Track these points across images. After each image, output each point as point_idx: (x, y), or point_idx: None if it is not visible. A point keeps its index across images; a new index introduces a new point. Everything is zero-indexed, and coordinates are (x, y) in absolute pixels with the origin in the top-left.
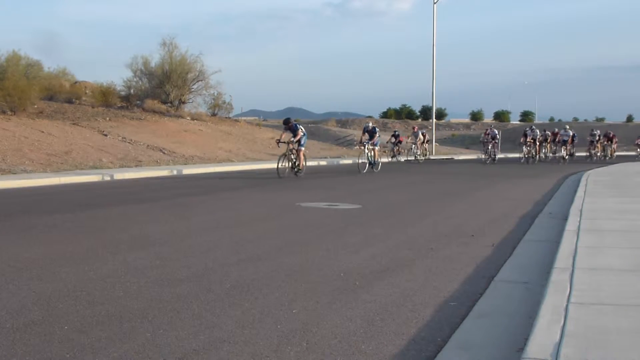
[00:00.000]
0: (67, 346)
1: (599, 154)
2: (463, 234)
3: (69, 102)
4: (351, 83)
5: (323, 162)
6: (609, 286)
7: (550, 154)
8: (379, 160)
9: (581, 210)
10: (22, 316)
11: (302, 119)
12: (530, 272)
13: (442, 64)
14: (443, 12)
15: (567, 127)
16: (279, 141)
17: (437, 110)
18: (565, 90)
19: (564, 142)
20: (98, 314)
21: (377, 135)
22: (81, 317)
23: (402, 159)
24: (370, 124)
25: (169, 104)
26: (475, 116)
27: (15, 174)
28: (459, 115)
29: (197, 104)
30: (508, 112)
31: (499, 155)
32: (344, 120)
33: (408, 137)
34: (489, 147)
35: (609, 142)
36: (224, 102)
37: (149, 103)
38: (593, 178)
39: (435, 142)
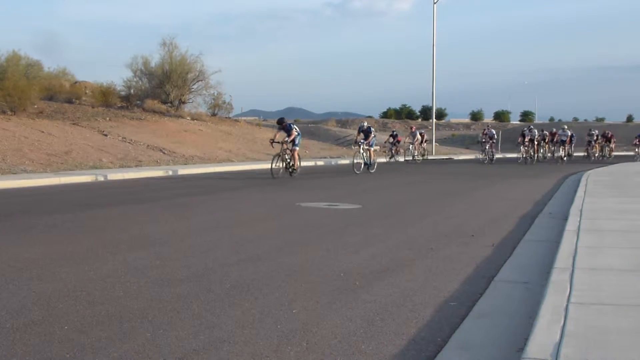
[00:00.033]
0: (67, 346)
1: (596, 154)
2: (463, 234)
3: (69, 102)
4: (351, 83)
5: (320, 162)
6: (609, 286)
7: (549, 154)
8: (375, 160)
9: (581, 210)
10: (22, 316)
11: (302, 119)
12: (530, 272)
13: (442, 64)
14: (443, 12)
15: (565, 127)
16: (272, 141)
17: (437, 110)
18: (565, 90)
19: (562, 142)
20: (98, 314)
21: (373, 135)
22: (81, 317)
23: (401, 159)
24: (366, 124)
25: (169, 104)
26: (475, 116)
27: (15, 174)
28: (459, 115)
29: (197, 104)
30: (508, 112)
31: (498, 155)
32: (344, 120)
33: (406, 137)
34: (487, 147)
35: (607, 142)
36: (224, 102)
37: (149, 103)
38: (593, 178)
39: (435, 142)
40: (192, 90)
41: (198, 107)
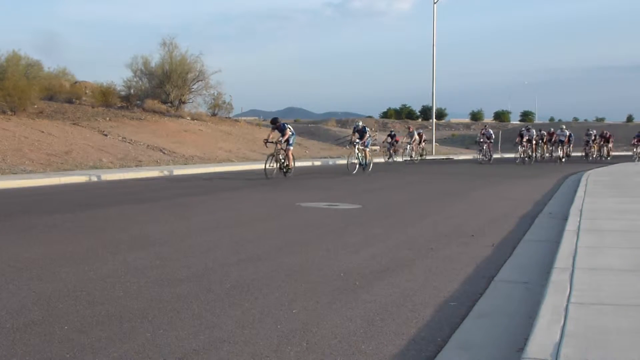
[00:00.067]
0: (67, 346)
1: (594, 154)
2: (463, 234)
3: (69, 102)
4: (351, 83)
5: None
6: (609, 286)
7: (547, 154)
8: (371, 160)
9: (581, 210)
10: (22, 316)
11: (302, 119)
12: (530, 272)
13: (442, 64)
14: (443, 12)
15: (564, 127)
16: (266, 141)
17: (437, 110)
18: (565, 90)
19: (561, 142)
20: (98, 314)
21: (368, 135)
22: (81, 317)
23: (399, 159)
24: (360, 124)
25: (169, 104)
26: (475, 116)
27: (15, 174)
28: (459, 115)
29: (197, 104)
30: (508, 112)
31: (496, 155)
32: (344, 120)
33: (404, 137)
34: (484, 147)
35: (606, 142)
36: (224, 102)
37: (149, 103)
38: (593, 178)
39: (435, 142)
40: (192, 90)
41: (198, 107)
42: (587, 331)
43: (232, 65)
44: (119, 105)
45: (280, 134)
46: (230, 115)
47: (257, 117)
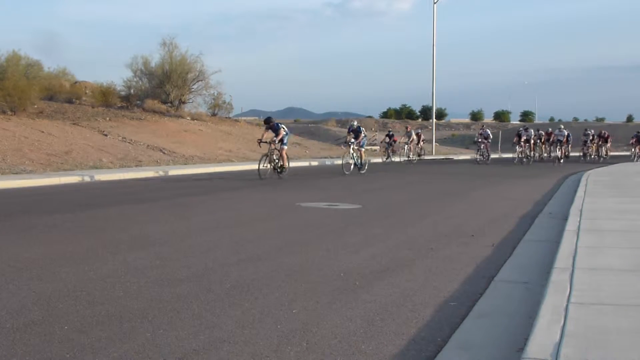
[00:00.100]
0: (67, 346)
1: (592, 154)
2: (463, 234)
3: (69, 102)
4: (351, 83)
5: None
6: (609, 286)
7: (545, 154)
8: (366, 161)
9: (581, 210)
10: (22, 316)
11: (302, 119)
12: (530, 272)
13: (442, 64)
14: (443, 12)
15: (562, 126)
16: (260, 141)
17: (437, 110)
18: (565, 90)
19: (559, 142)
20: (98, 314)
21: (363, 134)
22: (81, 317)
23: (397, 159)
24: (355, 123)
25: (169, 104)
26: (475, 116)
27: (15, 174)
28: (459, 115)
29: (197, 104)
30: (508, 112)
31: (494, 156)
32: (344, 120)
33: (402, 137)
34: (482, 147)
35: (605, 142)
36: (224, 102)
37: (149, 103)
38: (593, 178)
39: (435, 142)
40: (192, 90)
41: (198, 107)
42: (587, 331)
43: (232, 65)
44: (119, 105)
45: (274, 134)
46: (230, 115)
47: (257, 117)
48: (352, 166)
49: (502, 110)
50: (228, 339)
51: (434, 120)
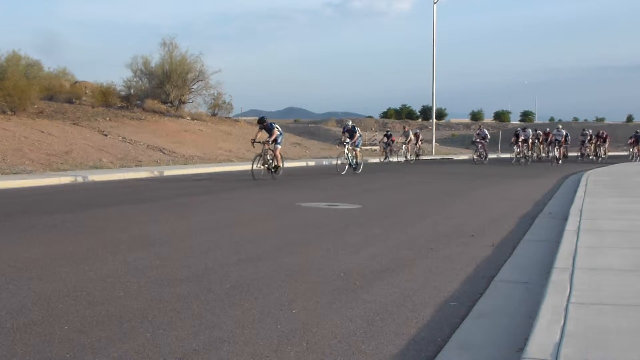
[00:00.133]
0: (67, 346)
1: (591, 155)
2: (463, 234)
3: (69, 102)
4: (351, 83)
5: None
6: (609, 286)
7: (543, 155)
8: (361, 161)
9: (581, 210)
10: (22, 316)
11: (302, 119)
12: (530, 272)
13: (442, 64)
14: (443, 12)
15: (560, 126)
16: (254, 141)
17: (437, 110)
18: (565, 90)
19: (558, 142)
20: (98, 314)
21: (358, 134)
22: (81, 317)
23: (395, 159)
24: (350, 123)
25: (169, 104)
26: (475, 116)
27: (15, 174)
28: (459, 115)
29: (197, 104)
30: (508, 112)
31: (492, 156)
32: (344, 120)
33: (399, 137)
34: (479, 147)
35: (603, 142)
36: (224, 102)
37: (149, 103)
38: (593, 178)
39: (435, 142)
40: (192, 90)
41: (198, 107)
42: (587, 331)
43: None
44: (119, 105)
45: (267, 134)
46: (230, 115)
47: (257, 117)
48: (347, 166)
49: (502, 110)
50: (228, 339)
51: (434, 120)
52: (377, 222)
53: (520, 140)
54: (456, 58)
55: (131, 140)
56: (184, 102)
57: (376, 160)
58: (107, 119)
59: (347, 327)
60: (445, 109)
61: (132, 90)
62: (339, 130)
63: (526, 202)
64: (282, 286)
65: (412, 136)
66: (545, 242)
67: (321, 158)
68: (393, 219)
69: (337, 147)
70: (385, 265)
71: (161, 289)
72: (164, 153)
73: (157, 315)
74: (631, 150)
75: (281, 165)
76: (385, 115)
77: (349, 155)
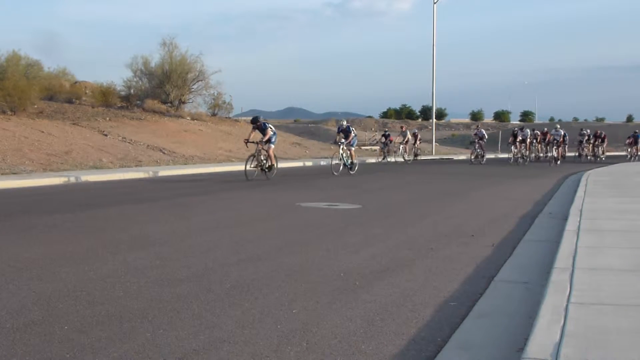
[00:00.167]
0: (67, 346)
1: (588, 155)
2: (463, 234)
3: (69, 102)
4: (351, 83)
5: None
6: (609, 286)
7: (541, 154)
8: (356, 161)
9: (581, 210)
10: (22, 316)
11: (302, 119)
12: (530, 272)
13: (442, 64)
14: (443, 12)
15: (558, 126)
16: (247, 141)
17: (437, 110)
18: (565, 90)
19: (556, 143)
20: (98, 314)
21: (353, 134)
22: (81, 317)
23: (392, 159)
24: (345, 123)
25: (169, 104)
26: (475, 116)
27: (15, 174)
28: (459, 115)
29: (197, 104)
30: (508, 112)
31: (491, 156)
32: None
33: (397, 137)
34: (476, 147)
35: (602, 142)
36: (224, 102)
37: (149, 103)
38: (593, 178)
39: (435, 142)
40: (192, 90)
41: (198, 107)
42: (587, 331)
43: (232, 65)
44: (119, 105)
45: (261, 134)
46: (230, 115)
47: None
48: (341, 167)
49: (502, 110)
50: (228, 339)
51: (434, 120)
52: (377, 222)
53: (518, 140)
54: (456, 58)
55: (131, 140)
56: (184, 102)
57: (372, 160)
58: (107, 119)
59: (347, 327)
60: (445, 109)
61: (132, 90)
62: None
63: (526, 202)
64: (282, 286)
65: (409, 136)
66: (545, 242)
67: (320, 158)
68: (393, 219)
69: (331, 147)
70: (385, 265)
71: (161, 289)
72: (164, 153)
73: (157, 315)
74: (629, 150)
75: (275, 164)
76: (385, 115)
77: (344, 155)
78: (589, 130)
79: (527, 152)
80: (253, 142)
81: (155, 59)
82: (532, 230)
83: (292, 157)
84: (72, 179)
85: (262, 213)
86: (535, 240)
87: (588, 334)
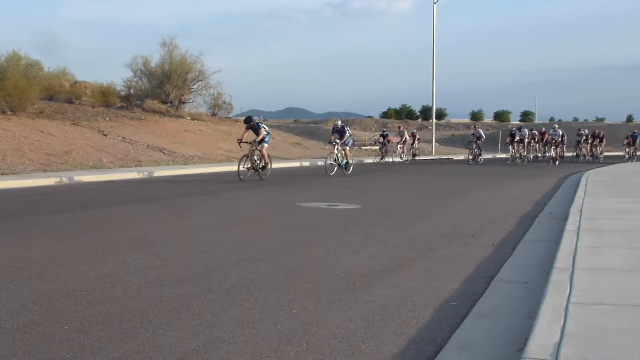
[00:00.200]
0: (67, 346)
1: (586, 155)
2: (463, 234)
3: (69, 102)
4: (351, 83)
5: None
6: (609, 286)
7: (539, 155)
8: (352, 161)
9: (581, 210)
10: (22, 316)
11: (302, 119)
12: (530, 272)
13: (442, 64)
14: (443, 12)
15: (556, 126)
16: (240, 141)
17: (437, 110)
18: (565, 90)
19: (554, 142)
20: (98, 314)
21: (348, 134)
22: (81, 317)
23: (390, 159)
24: (339, 122)
25: (169, 104)
26: (475, 116)
27: (15, 174)
28: (459, 115)
29: (197, 104)
30: (508, 112)
31: (488, 156)
32: (344, 120)
33: (394, 137)
34: (473, 147)
35: (600, 142)
36: (224, 102)
37: (149, 103)
38: (593, 178)
39: (435, 142)
40: (192, 90)
41: (198, 107)
42: (587, 331)
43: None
44: (119, 105)
45: (255, 134)
46: (230, 115)
47: (257, 117)
48: (335, 167)
49: (502, 110)
50: (228, 339)
51: (434, 120)
52: (377, 222)
53: (516, 140)
54: (456, 58)
55: (131, 140)
56: (184, 102)
57: (369, 160)
58: (107, 119)
59: (347, 327)
60: (445, 109)
61: (132, 90)
62: None
63: (526, 202)
64: (282, 286)
65: (407, 136)
66: (545, 242)
67: (319, 158)
68: (393, 219)
69: (326, 147)
70: (385, 265)
71: (161, 289)
72: (164, 153)
73: (157, 315)
74: (627, 150)
75: (270, 164)
76: (385, 115)
77: (338, 155)
78: (587, 131)
79: (525, 152)
80: (247, 143)
81: (155, 59)
82: (532, 230)
83: (292, 157)
84: (73, 179)
85: (262, 213)
86: (535, 240)
87: (588, 334)
